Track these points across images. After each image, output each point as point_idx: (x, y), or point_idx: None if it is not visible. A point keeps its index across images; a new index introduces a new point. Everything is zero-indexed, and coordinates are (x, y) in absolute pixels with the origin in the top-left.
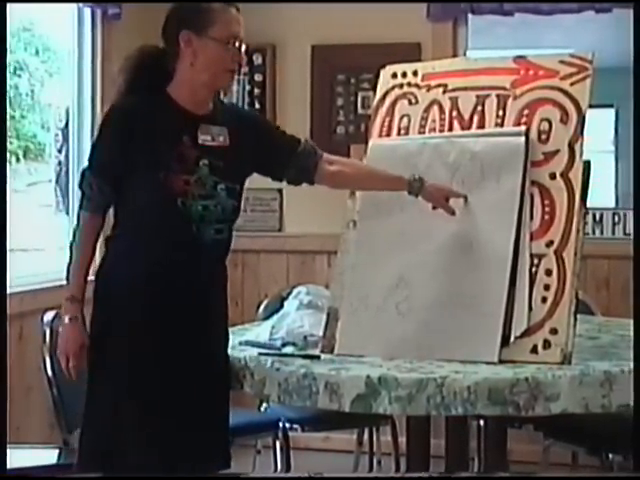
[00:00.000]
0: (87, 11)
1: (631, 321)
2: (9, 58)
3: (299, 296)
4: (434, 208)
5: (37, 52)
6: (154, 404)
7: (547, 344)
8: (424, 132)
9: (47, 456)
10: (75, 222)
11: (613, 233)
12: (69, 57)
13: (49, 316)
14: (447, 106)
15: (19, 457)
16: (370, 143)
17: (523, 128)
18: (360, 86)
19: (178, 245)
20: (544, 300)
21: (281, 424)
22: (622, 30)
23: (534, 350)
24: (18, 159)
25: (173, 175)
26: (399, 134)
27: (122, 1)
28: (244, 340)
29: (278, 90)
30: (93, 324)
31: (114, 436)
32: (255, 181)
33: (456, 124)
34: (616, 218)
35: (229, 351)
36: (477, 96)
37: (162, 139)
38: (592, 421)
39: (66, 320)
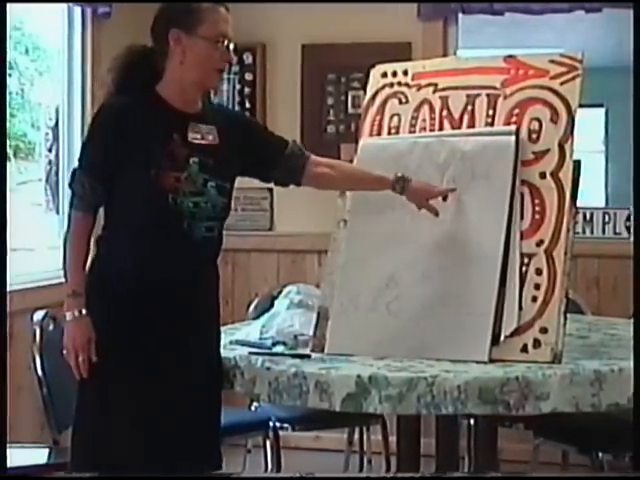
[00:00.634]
0: (77, 10)
1: (621, 320)
2: None
3: (289, 295)
4: (419, 208)
5: (27, 51)
6: (145, 404)
7: (537, 343)
8: (414, 131)
9: (37, 456)
10: (66, 222)
11: (603, 232)
12: (59, 56)
13: (39, 315)
14: (437, 105)
15: (9, 456)
16: (360, 142)
17: (513, 127)
18: (350, 85)
19: (170, 242)
20: (534, 299)
21: (271, 423)
22: (612, 30)
23: (524, 349)
24: (8, 158)
25: (163, 173)
26: (389, 133)
27: (112, 0)
28: (234, 339)
29: (268, 89)
30: None
31: (105, 435)
32: (245, 180)
33: (446, 123)
34: (606, 217)
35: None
36: (467, 95)
37: (153, 138)
38: (582, 420)
39: (71, 316)
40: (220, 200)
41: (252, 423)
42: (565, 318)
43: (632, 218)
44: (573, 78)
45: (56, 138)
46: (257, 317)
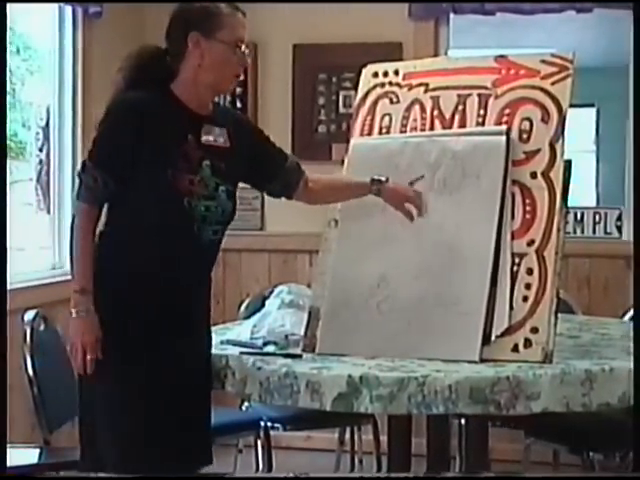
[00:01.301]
0: (68, 10)
1: (611, 320)
2: None
3: (280, 295)
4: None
5: (18, 50)
6: (146, 402)
7: (528, 343)
8: (405, 131)
9: (28, 456)
10: (73, 214)
11: (594, 232)
12: (50, 55)
13: (30, 315)
14: (428, 105)
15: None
16: (351, 142)
17: (504, 127)
18: (342, 85)
19: (179, 244)
20: (525, 299)
21: (262, 423)
22: (603, 30)
23: (515, 349)
24: None
25: (179, 174)
26: (380, 133)
27: (104, 1)
28: (225, 339)
29: (260, 89)
30: None
31: (107, 434)
32: None
33: (437, 123)
34: (597, 217)
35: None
36: (458, 95)
37: (169, 137)
38: (573, 420)
39: (79, 313)
40: (229, 205)
41: (243, 423)
42: (556, 318)
43: (632, 218)
44: (564, 78)
45: (47, 138)
46: (248, 317)
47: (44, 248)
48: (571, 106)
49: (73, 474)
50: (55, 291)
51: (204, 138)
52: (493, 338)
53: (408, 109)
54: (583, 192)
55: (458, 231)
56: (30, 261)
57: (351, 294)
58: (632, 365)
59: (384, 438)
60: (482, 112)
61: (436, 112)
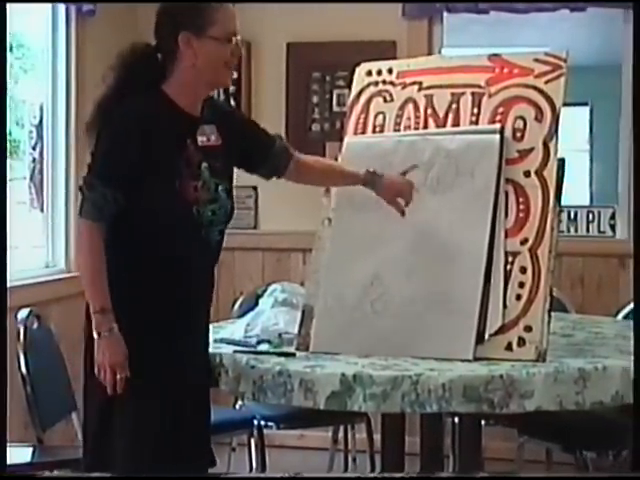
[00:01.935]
0: (61, 8)
1: (605, 318)
2: None
3: (274, 294)
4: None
5: (11, 49)
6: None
7: (522, 341)
8: (399, 130)
9: (21, 454)
10: (80, 232)
11: (587, 231)
12: (43, 54)
13: (23, 314)
14: (422, 104)
15: None
16: (345, 141)
17: (498, 126)
18: (335, 84)
19: (189, 251)
20: (518, 298)
21: (256, 422)
22: (597, 29)
23: (509, 347)
24: None
25: (185, 183)
26: (374, 132)
27: (98, 1)
28: (219, 338)
29: (253, 87)
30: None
31: (108, 434)
32: None
33: (431, 122)
34: (590, 216)
35: None
36: (452, 94)
37: (172, 144)
38: (566, 418)
39: (104, 334)
40: (229, 203)
41: (237, 421)
42: (549, 316)
43: (632, 217)
44: (558, 77)
45: (40, 136)
46: (242, 315)
47: (37, 246)
48: (564, 105)
49: (73, 474)
50: (48, 289)
51: (200, 140)
52: (487, 337)
53: (402, 108)
54: (577, 191)
55: (452, 230)
56: (23, 259)
57: (345, 293)
58: (632, 365)
59: (378, 437)
60: (476, 111)
61: (430, 111)
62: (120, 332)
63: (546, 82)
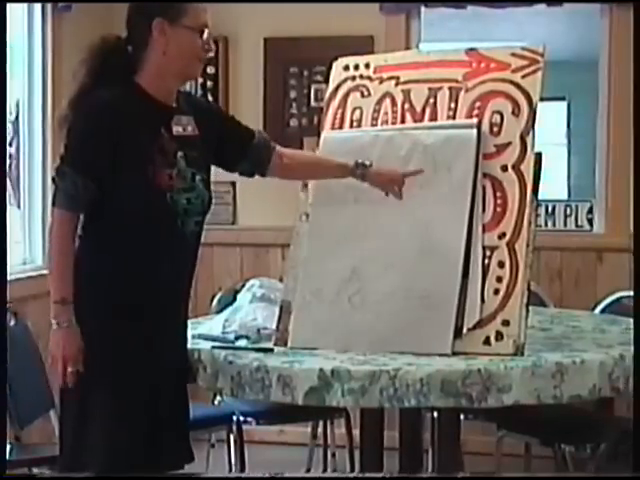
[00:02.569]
0: (37, 4)
1: (583, 312)
2: None
3: (252, 289)
4: (386, 194)
5: None
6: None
7: (499, 336)
8: (376, 124)
9: None
10: (51, 221)
11: (565, 225)
12: (19, 49)
13: None
14: (399, 98)
15: None
16: (322, 136)
17: (475, 120)
18: (313, 79)
19: (164, 240)
20: (496, 292)
21: (235, 418)
22: (574, 24)
23: (487, 342)
24: None
25: (158, 170)
26: (351, 126)
27: (75, 1)
28: (197, 333)
29: (231, 83)
30: None
31: (88, 436)
32: None
33: (408, 116)
34: (568, 210)
35: None
36: (429, 88)
37: (144, 133)
38: (544, 412)
39: (60, 325)
40: (207, 194)
41: (215, 417)
42: (527, 310)
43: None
44: (535, 71)
45: (16, 132)
46: (220, 311)
47: (15, 243)
48: (542, 99)
49: (74, 474)
50: (25, 286)
51: (175, 129)
52: (465, 331)
53: (379, 102)
54: (554, 185)
55: (429, 224)
56: None
57: (323, 288)
58: (632, 365)
59: (357, 432)
60: (453, 105)
61: (407, 105)
62: (88, 318)
63: (523, 76)
